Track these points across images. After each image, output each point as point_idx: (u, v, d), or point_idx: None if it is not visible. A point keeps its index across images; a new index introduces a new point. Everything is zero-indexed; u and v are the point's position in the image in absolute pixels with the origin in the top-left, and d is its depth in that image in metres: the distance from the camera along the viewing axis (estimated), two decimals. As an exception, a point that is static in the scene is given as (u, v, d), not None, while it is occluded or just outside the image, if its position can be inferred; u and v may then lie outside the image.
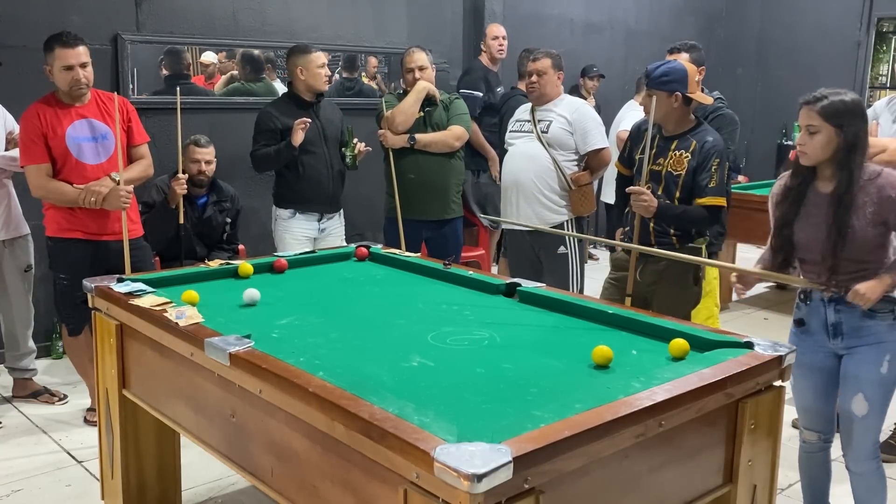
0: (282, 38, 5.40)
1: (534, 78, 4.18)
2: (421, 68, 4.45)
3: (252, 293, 2.77)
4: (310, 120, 4.24)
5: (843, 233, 2.50)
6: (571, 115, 4.13)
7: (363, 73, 6.11)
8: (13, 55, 4.39)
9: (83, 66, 3.59)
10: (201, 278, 3.09)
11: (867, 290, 2.49)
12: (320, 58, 4.30)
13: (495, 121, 5.74)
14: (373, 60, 6.12)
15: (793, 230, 2.64)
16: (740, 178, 6.75)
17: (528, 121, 4.23)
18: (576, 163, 4.17)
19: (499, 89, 5.90)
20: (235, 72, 5.38)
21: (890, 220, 2.49)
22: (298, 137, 4.18)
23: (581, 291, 4.15)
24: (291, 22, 5.49)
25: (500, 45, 5.88)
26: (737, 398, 2.08)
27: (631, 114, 5.77)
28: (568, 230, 4.15)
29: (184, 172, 4.16)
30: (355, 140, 4.40)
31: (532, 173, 4.13)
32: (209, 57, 5.26)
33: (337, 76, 5.80)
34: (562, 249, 4.16)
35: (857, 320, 2.59)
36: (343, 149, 4.42)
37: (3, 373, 4.29)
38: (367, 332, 2.53)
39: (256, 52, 5.40)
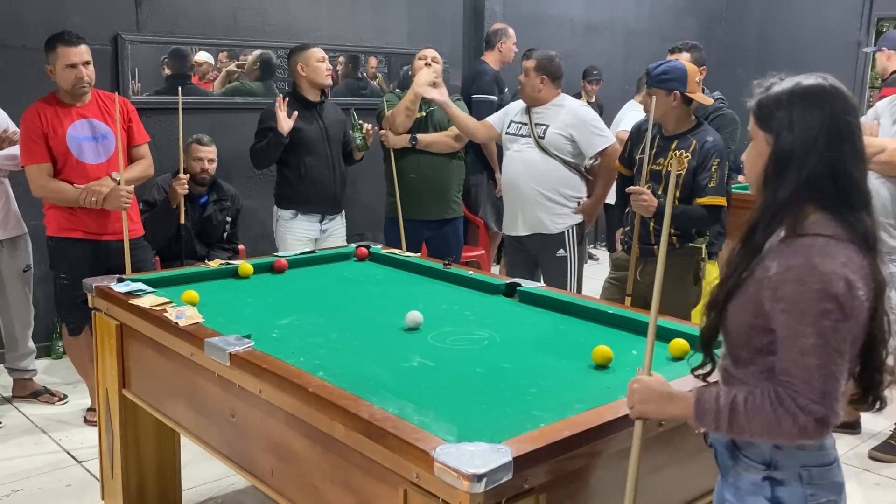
0: (282, 38, 5.40)
1: (521, 76, 4.11)
2: (434, 59, 4.41)
3: (416, 316, 2.54)
4: (288, 106, 4.18)
5: (718, 305, 1.60)
6: (571, 120, 4.00)
7: (363, 73, 6.11)
8: (13, 55, 4.39)
9: (85, 64, 3.60)
10: (201, 278, 3.09)
11: (643, 386, 1.64)
12: (319, 52, 4.29)
13: None
14: (372, 60, 6.11)
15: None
16: (740, 178, 6.74)
17: (525, 123, 4.10)
18: (586, 158, 4.08)
19: (506, 90, 5.86)
20: (232, 68, 5.35)
21: (764, 307, 1.51)
22: (282, 122, 4.13)
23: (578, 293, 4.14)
24: (291, 22, 5.49)
25: (516, 51, 5.75)
26: (737, 398, 2.08)
27: (631, 114, 5.76)
28: (569, 236, 4.07)
29: (185, 172, 4.17)
30: (361, 121, 4.39)
31: (531, 180, 4.03)
32: (202, 56, 5.24)
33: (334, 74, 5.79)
34: (561, 252, 4.09)
35: (724, 454, 1.67)
36: (351, 132, 4.40)
37: (3, 373, 4.29)
38: (367, 332, 2.53)
39: (275, 58, 5.41)
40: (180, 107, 4.07)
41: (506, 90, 5.82)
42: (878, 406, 1.61)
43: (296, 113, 4.19)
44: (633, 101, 6.12)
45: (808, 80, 1.57)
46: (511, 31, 5.83)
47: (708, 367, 1.70)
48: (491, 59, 5.81)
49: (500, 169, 5.60)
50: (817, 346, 1.44)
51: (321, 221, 4.41)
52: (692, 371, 1.74)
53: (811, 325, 1.44)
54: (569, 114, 4.03)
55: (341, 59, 5.88)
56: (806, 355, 1.44)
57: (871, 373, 1.57)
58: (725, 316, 1.59)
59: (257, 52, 5.37)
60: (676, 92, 3.34)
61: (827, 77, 1.57)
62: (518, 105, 4.22)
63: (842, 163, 1.50)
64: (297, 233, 4.36)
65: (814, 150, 1.50)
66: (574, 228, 4.10)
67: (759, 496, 1.59)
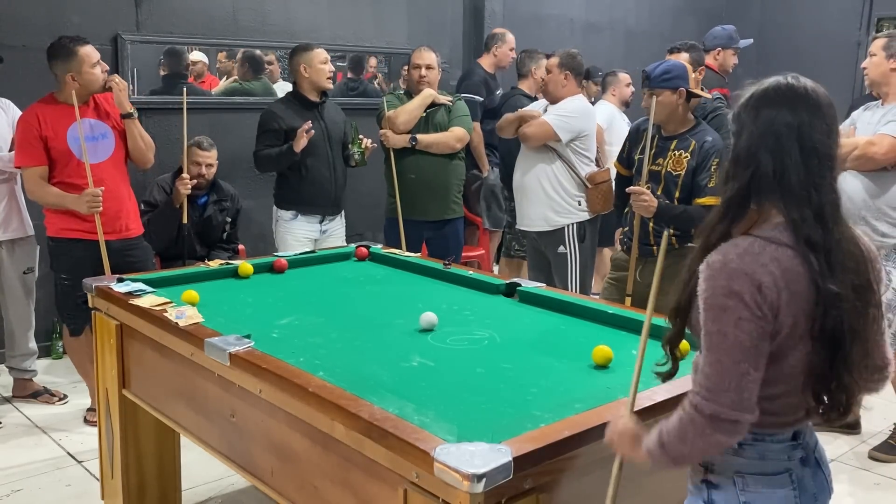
0: (282, 38, 5.40)
1: (544, 75, 4.20)
2: (428, 67, 4.44)
3: (430, 317, 2.52)
4: (312, 127, 4.17)
5: (681, 311, 1.60)
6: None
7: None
8: (13, 55, 4.38)
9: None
10: (201, 278, 3.09)
11: (614, 429, 1.64)
12: (322, 54, 4.28)
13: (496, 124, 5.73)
14: (372, 60, 6.12)
15: None
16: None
17: None
18: (589, 161, 4.19)
19: (497, 92, 5.90)
20: (235, 76, 5.37)
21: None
22: (301, 144, 4.13)
23: (583, 292, 4.16)
24: (291, 22, 5.48)
25: (514, 57, 5.83)
26: (737, 398, 2.08)
27: (600, 107, 5.83)
28: (569, 233, 4.15)
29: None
30: (361, 136, 4.40)
31: (535, 176, 4.15)
32: (196, 55, 5.24)
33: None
34: (561, 249, 4.17)
35: None
36: (350, 146, 4.41)
37: (4, 373, 4.29)
38: (367, 332, 2.53)
39: (258, 51, 5.40)
40: (185, 107, 4.07)
41: (497, 92, 5.87)
42: (844, 415, 1.55)
43: (309, 123, 4.17)
44: (602, 98, 6.14)
45: (768, 82, 1.54)
46: (509, 36, 5.87)
47: (670, 369, 1.70)
48: (485, 61, 5.89)
49: (489, 166, 5.69)
50: (718, 343, 1.44)
51: (321, 222, 4.41)
52: (655, 372, 1.73)
53: (715, 320, 1.45)
54: (562, 104, 4.13)
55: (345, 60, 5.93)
56: (709, 351, 1.46)
57: (833, 381, 1.50)
58: (689, 320, 1.58)
59: (240, 52, 5.35)
60: (682, 89, 3.35)
61: (790, 76, 1.54)
62: (542, 103, 4.34)
63: (784, 161, 1.47)
64: (297, 233, 4.36)
65: (762, 148, 1.48)
66: (574, 226, 4.17)
67: (699, 498, 1.61)
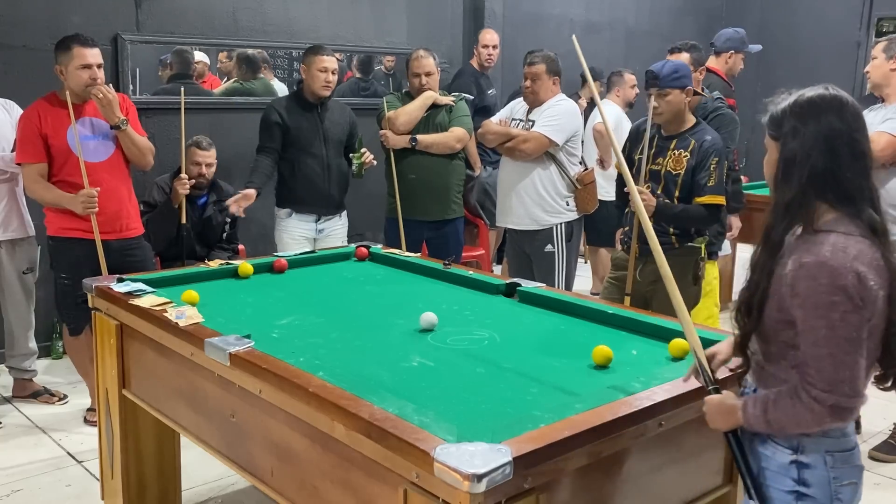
0: (282, 38, 5.40)
1: (527, 82, 4.16)
2: (428, 74, 4.44)
3: (430, 317, 2.53)
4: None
5: (754, 308, 1.70)
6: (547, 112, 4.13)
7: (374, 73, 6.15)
8: (13, 55, 4.40)
9: (98, 66, 3.64)
10: (201, 278, 3.09)
11: (710, 407, 1.78)
12: (323, 62, 4.22)
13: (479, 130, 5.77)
14: (387, 61, 6.15)
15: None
16: (741, 177, 6.73)
17: (523, 120, 4.21)
18: (576, 162, 4.21)
19: (490, 91, 5.93)
20: (235, 77, 5.38)
21: (786, 302, 1.64)
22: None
23: (567, 290, 4.18)
24: (291, 22, 5.49)
25: (490, 55, 5.89)
26: (737, 398, 2.08)
27: (606, 108, 5.84)
28: (557, 233, 4.17)
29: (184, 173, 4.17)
30: (364, 150, 4.38)
31: (529, 177, 4.14)
32: (197, 55, 5.24)
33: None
34: (549, 248, 4.18)
35: (752, 439, 1.79)
36: (351, 154, 4.40)
37: (4, 373, 4.29)
38: (367, 332, 2.53)
39: (251, 51, 5.40)
40: (182, 107, 4.06)
41: (489, 91, 5.90)
42: None
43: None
44: (605, 98, 6.15)
45: (810, 91, 1.70)
46: (481, 35, 5.95)
47: (746, 368, 1.84)
48: (474, 62, 6.00)
49: (482, 164, 5.71)
50: (827, 337, 1.58)
51: (317, 221, 4.40)
52: (731, 370, 1.93)
53: (822, 317, 1.58)
54: (549, 108, 4.14)
55: (354, 60, 5.97)
56: (817, 346, 1.60)
57: (892, 354, 1.67)
58: (762, 317, 1.69)
59: (235, 52, 5.36)
60: (690, 87, 3.37)
61: (829, 87, 1.70)
62: (521, 103, 4.32)
63: (838, 162, 1.65)
64: (294, 232, 4.36)
65: (813, 152, 1.65)
66: (562, 225, 4.19)
67: (787, 478, 1.73)
